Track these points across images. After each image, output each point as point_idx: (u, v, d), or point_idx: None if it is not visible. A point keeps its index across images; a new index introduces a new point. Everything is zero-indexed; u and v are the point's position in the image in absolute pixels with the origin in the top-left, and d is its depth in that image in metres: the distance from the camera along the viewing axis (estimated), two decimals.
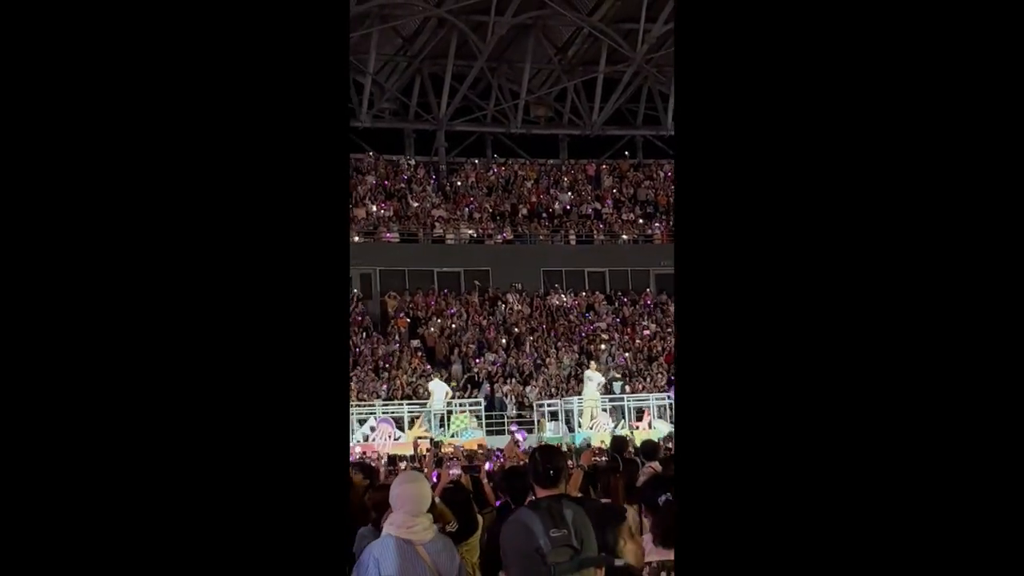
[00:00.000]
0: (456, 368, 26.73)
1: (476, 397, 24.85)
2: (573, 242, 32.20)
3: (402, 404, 23.53)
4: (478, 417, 23.47)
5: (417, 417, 22.53)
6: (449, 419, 22.88)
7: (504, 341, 28.23)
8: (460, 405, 23.79)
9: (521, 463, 7.87)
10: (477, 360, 27.15)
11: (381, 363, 26.28)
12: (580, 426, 22.90)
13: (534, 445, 13.62)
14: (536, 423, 23.92)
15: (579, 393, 24.43)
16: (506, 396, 25.25)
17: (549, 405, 24.60)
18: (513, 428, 21.43)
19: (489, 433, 22.71)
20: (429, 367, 26.59)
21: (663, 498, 3.82)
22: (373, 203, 31.82)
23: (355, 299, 29.02)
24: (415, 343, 27.83)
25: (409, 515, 4.14)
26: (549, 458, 4.19)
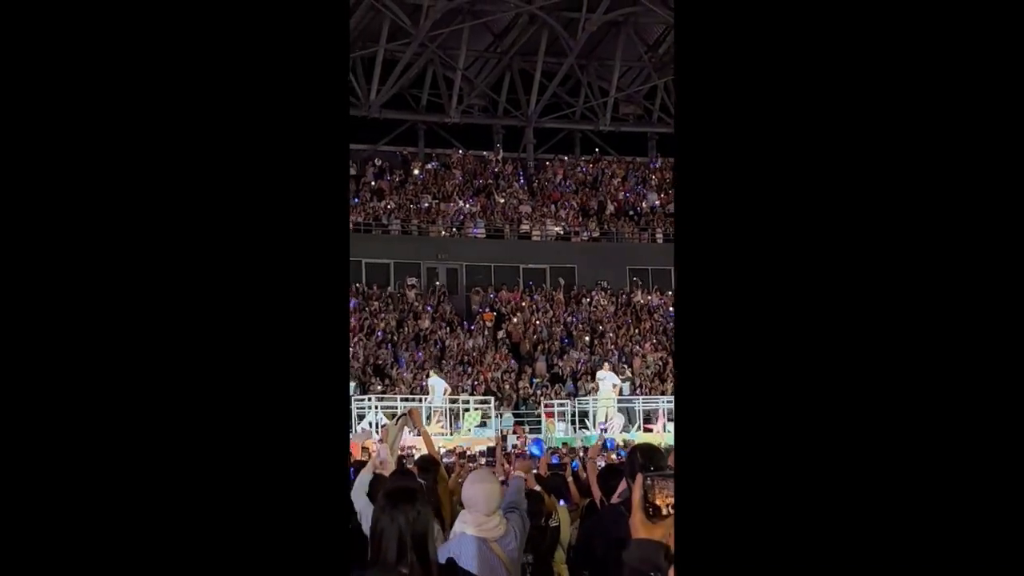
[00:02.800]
0: (540, 364, 26.76)
1: (560, 394, 24.80)
2: (660, 240, 32.01)
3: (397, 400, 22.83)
4: (485, 415, 22.95)
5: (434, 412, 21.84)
6: (460, 417, 22.41)
7: (588, 339, 28.17)
8: (464, 402, 23.21)
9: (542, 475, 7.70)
10: (562, 357, 27.16)
11: (466, 357, 26.43)
12: (594, 426, 22.33)
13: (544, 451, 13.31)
14: (543, 424, 23.31)
15: (659, 392, 24.08)
16: (589, 393, 25.23)
17: (559, 405, 23.96)
18: (529, 443, 18.73)
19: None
20: (514, 363, 26.66)
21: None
22: (460, 198, 31.99)
23: (442, 293, 29.22)
24: (500, 336, 27.93)
25: (482, 514, 4.25)
26: (650, 457, 4.19)
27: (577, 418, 23.27)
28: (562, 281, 30.59)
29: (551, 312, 29.21)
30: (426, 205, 31.53)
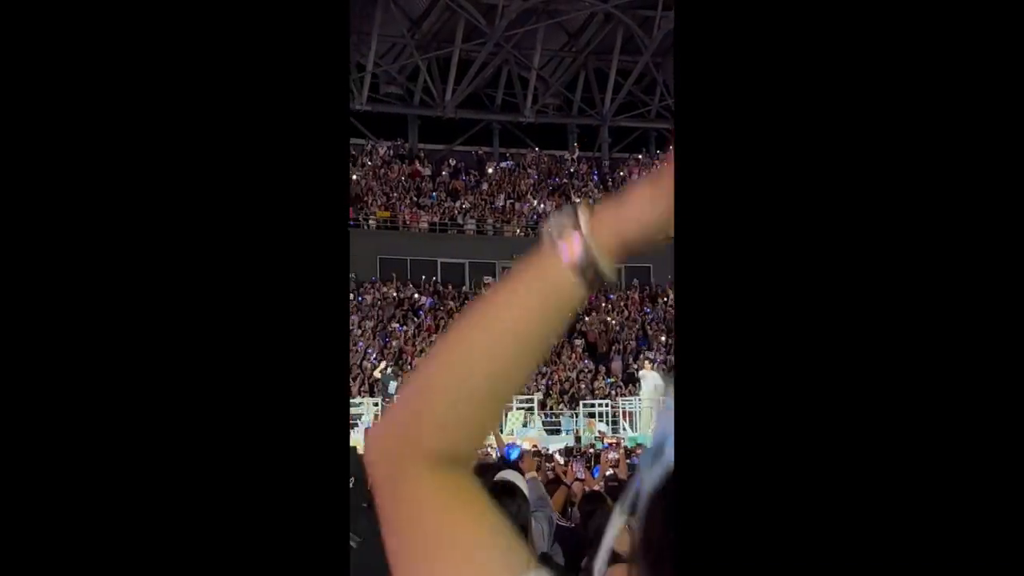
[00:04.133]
0: (616, 364, 26.70)
1: (636, 392, 24.67)
2: None
3: None
4: (528, 414, 22.43)
5: None
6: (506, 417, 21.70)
7: (663, 338, 28.03)
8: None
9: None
10: (637, 357, 27.05)
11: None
12: (635, 427, 21.77)
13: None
14: (583, 423, 22.66)
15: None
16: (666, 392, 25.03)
17: (599, 404, 23.41)
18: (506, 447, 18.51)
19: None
20: (590, 363, 26.63)
21: None
22: (535, 198, 32.03)
23: None
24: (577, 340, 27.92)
25: None
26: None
27: (621, 418, 22.77)
28: (636, 281, 30.47)
29: (626, 311, 29.11)
30: (501, 205, 31.63)
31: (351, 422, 20.41)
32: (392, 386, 21.36)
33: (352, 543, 3.42)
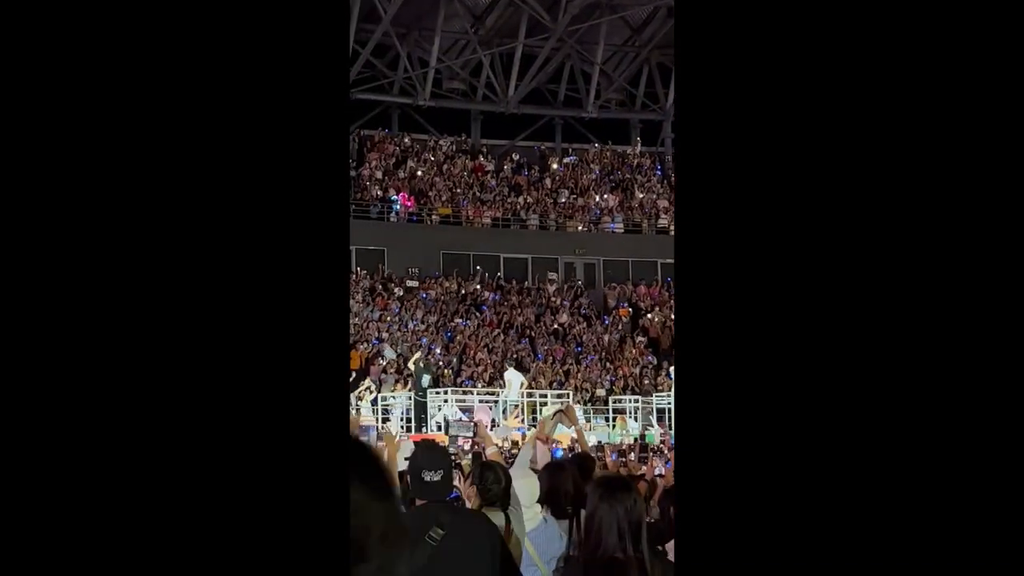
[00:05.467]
0: None
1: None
2: None
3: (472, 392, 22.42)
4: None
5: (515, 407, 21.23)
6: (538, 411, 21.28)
7: None
8: (542, 396, 22.35)
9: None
10: None
11: (605, 353, 26.41)
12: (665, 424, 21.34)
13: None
14: (614, 421, 22.44)
15: None
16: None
17: (631, 400, 23.12)
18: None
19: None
20: (653, 359, 26.51)
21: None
22: (598, 193, 31.95)
23: (579, 288, 29.26)
24: (640, 338, 27.81)
25: (523, 507, 4.36)
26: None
27: (654, 416, 22.40)
28: None
29: None
30: (564, 200, 31.59)
31: (384, 415, 20.41)
32: (425, 379, 21.33)
33: (435, 535, 3.45)
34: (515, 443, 14.70)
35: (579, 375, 25.19)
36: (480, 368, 24.33)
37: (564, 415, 7.03)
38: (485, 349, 25.70)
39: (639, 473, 9.50)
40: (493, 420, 19.99)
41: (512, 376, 22.33)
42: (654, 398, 23.32)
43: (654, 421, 21.64)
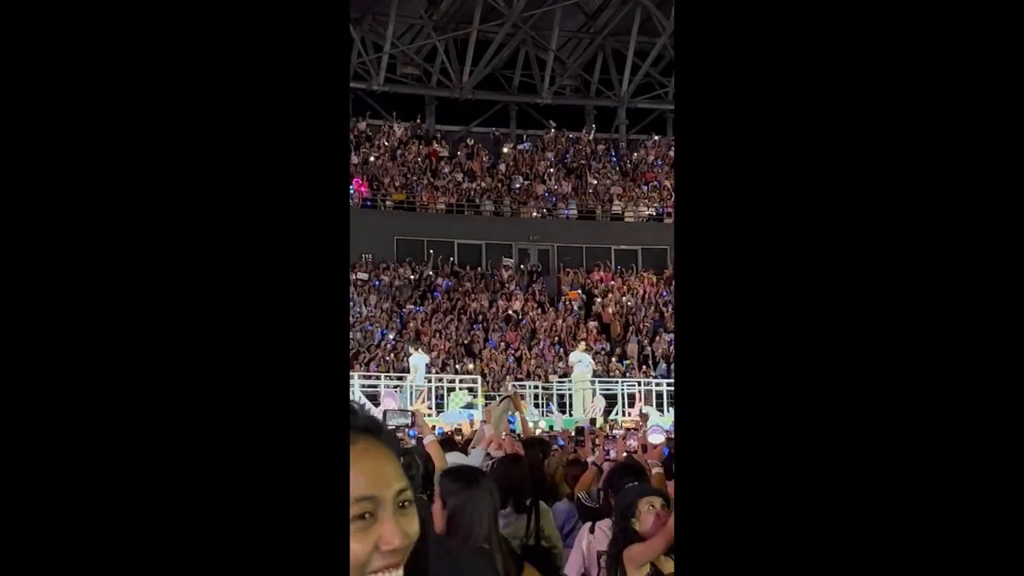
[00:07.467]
0: (632, 347, 26.68)
1: (655, 375, 24.62)
2: None
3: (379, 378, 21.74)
4: (471, 391, 21.54)
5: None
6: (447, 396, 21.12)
7: None
8: (449, 382, 21.82)
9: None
10: (653, 339, 27.03)
11: (557, 339, 26.48)
12: (571, 411, 21.14)
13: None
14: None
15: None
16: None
17: (532, 387, 22.64)
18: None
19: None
20: (605, 345, 26.63)
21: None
22: (552, 179, 31.97)
23: (534, 274, 29.29)
24: (592, 322, 27.91)
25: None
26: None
27: (553, 402, 22.17)
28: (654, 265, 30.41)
29: (643, 293, 29.06)
30: (518, 186, 31.58)
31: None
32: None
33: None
34: (458, 430, 14.61)
35: (531, 360, 25.25)
36: (434, 354, 24.30)
37: (511, 401, 7.06)
38: (438, 335, 25.67)
39: (587, 460, 9.52)
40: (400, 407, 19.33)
41: (417, 360, 21.44)
42: (555, 382, 23.10)
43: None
